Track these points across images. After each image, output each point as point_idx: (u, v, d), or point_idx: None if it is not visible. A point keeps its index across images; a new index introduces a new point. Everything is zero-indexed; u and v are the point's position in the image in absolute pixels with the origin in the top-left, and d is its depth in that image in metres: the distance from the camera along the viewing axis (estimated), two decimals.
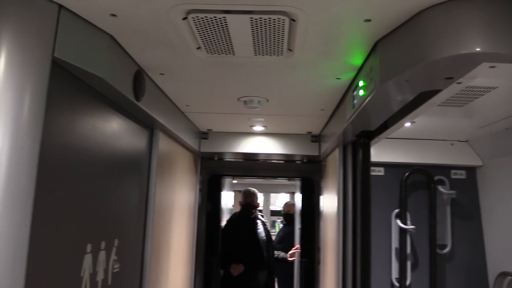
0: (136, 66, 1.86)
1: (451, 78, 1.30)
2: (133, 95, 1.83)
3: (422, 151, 3.21)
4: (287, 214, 6.14)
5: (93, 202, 1.71)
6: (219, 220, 4.75)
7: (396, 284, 3.09)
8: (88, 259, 1.65)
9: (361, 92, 1.75)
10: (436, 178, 3.19)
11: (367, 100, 1.67)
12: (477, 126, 2.78)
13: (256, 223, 4.70)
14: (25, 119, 1.23)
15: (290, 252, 5.16)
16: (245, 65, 1.86)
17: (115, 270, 1.93)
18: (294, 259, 5.18)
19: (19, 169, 1.21)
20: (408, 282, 3.07)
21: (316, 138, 3.43)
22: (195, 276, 3.79)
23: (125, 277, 2.07)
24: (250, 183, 7.37)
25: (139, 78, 1.87)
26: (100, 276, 1.76)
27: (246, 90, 2.25)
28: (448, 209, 3.16)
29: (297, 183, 5.17)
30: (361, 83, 1.76)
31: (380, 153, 3.20)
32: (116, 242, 1.93)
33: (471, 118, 2.58)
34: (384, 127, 2.22)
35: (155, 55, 1.78)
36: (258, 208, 4.85)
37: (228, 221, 4.75)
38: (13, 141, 1.20)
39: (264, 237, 4.72)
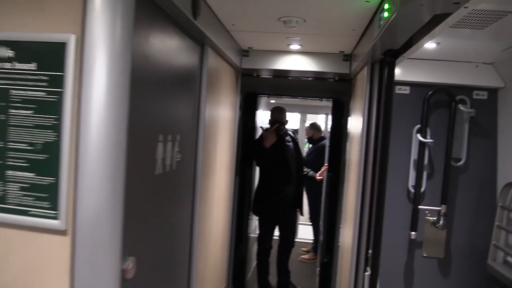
0: None
1: (458, 3, 1.57)
2: (192, 13, 2.17)
3: (447, 72, 3.35)
4: (311, 138, 6.55)
5: (162, 106, 2.14)
6: (253, 137, 5.14)
7: (412, 190, 3.39)
8: (160, 147, 2.12)
9: (386, 14, 2.03)
10: (458, 97, 3.35)
11: (390, 20, 1.95)
12: (501, 48, 2.90)
13: (285, 140, 4.84)
14: (119, 37, 1.56)
15: (320, 172, 5.53)
16: None
17: (177, 159, 2.42)
18: (322, 178, 5.56)
19: (117, 79, 1.56)
20: (422, 189, 3.37)
21: (348, 57, 3.66)
22: (235, 179, 4.32)
23: (185, 165, 2.58)
24: (287, 103, 7.52)
25: None
26: (168, 161, 2.25)
27: (286, 11, 2.54)
28: (467, 127, 3.34)
29: (330, 104, 5.36)
30: (386, 6, 2.03)
31: (407, 72, 3.37)
32: (178, 137, 2.40)
33: (494, 40, 2.71)
34: (408, 46, 2.46)
35: None
36: (286, 125, 4.92)
37: (259, 137, 4.90)
38: (111, 54, 1.54)
39: (293, 153, 4.88)
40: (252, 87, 4.53)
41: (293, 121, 8.74)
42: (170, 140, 2.26)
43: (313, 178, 5.59)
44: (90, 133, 1.57)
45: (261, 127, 4.97)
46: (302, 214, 5.43)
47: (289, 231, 5.12)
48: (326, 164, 5.41)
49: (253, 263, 5.66)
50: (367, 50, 2.68)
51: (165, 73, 2.18)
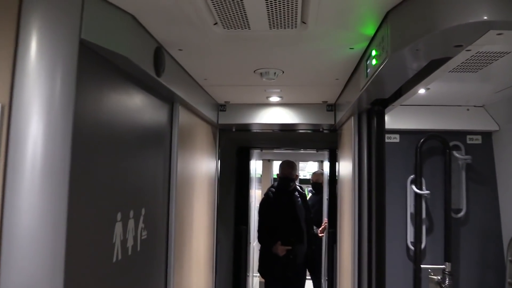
0: (156, 43, 1.94)
1: (460, 46, 1.34)
2: (154, 71, 1.91)
3: (438, 117, 3.22)
4: (315, 183, 6.21)
5: (121, 174, 1.82)
6: (247, 190, 4.88)
7: (412, 247, 3.17)
8: (118, 227, 1.78)
9: (374, 62, 1.79)
10: (451, 143, 3.21)
11: (379, 69, 1.71)
12: (493, 91, 2.77)
13: (295, 196, 4.54)
14: (58, 100, 1.32)
15: (320, 228, 5.21)
16: (260, 39, 1.91)
17: (143, 237, 2.06)
18: (323, 235, 5.24)
19: (55, 147, 1.30)
20: (423, 246, 3.15)
21: (332, 107, 3.46)
22: (217, 243, 3.95)
23: (153, 243, 2.22)
24: (278, 152, 7.35)
25: (159, 55, 1.95)
26: (130, 243, 1.90)
27: (262, 63, 2.31)
28: (463, 174, 3.18)
29: (325, 152, 5.19)
30: (373, 53, 1.80)
31: (396, 120, 3.23)
32: (143, 211, 2.06)
33: (487, 83, 2.58)
34: (398, 94, 2.25)
35: (174, 31, 1.84)
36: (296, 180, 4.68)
37: (265, 195, 4.64)
38: (47, 122, 1.29)
39: (303, 210, 4.58)
40: (243, 141, 4.43)
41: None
42: (131, 217, 1.91)
43: (315, 235, 5.25)
44: (18, 228, 1.23)
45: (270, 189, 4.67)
46: (313, 274, 5.17)
47: None
48: (325, 220, 5.15)
49: None
50: (353, 100, 2.45)
51: (128, 135, 1.88)
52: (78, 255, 1.43)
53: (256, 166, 5.49)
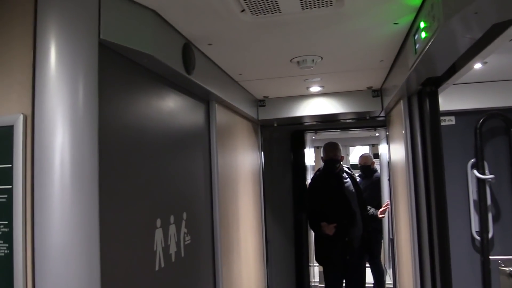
0: (183, 39, 1.84)
1: None
2: (184, 68, 1.81)
3: (498, 94, 2.94)
4: (363, 166, 5.88)
5: (158, 179, 1.74)
6: (304, 176, 4.76)
7: (477, 237, 2.94)
8: (159, 233, 1.70)
9: (423, 35, 1.59)
10: None
11: (430, 42, 1.51)
12: None
13: (342, 178, 4.30)
14: (81, 106, 1.25)
15: (381, 209, 4.97)
16: (293, 22, 1.75)
17: (186, 243, 1.98)
18: (383, 216, 4.99)
19: (82, 155, 1.23)
20: (490, 235, 2.91)
21: (378, 93, 3.23)
22: (266, 242, 3.84)
23: (197, 248, 2.13)
24: (327, 138, 7.16)
25: (188, 51, 1.85)
26: (172, 249, 1.82)
27: (298, 50, 2.15)
28: None
29: (382, 132, 4.98)
30: (422, 25, 1.60)
31: (449, 100, 2.99)
32: (184, 215, 1.97)
33: None
34: (452, 71, 2.03)
35: (201, 25, 1.74)
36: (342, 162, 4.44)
37: (312, 180, 4.43)
38: (72, 129, 1.22)
39: (353, 191, 4.32)
40: (298, 126, 4.36)
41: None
42: (172, 222, 1.83)
43: (374, 216, 5.01)
44: (50, 241, 1.17)
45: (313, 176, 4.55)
46: (373, 257, 4.93)
47: (358, 280, 4.50)
48: (387, 201, 4.93)
49: None
50: (401, 82, 2.24)
51: (162, 137, 1.80)
52: (116, 265, 1.36)
53: (309, 154, 5.35)
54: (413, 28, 1.79)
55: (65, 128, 1.22)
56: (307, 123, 3.91)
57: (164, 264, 1.72)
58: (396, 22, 1.78)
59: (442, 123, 3.09)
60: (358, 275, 4.49)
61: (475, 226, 2.97)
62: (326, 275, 4.52)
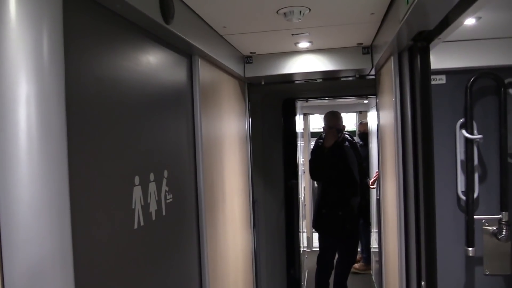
0: None
1: None
2: (161, 16, 1.70)
3: (490, 52, 2.86)
4: (363, 133, 5.89)
5: (135, 135, 1.66)
6: (295, 143, 4.76)
7: (463, 197, 2.95)
8: (137, 191, 1.64)
9: None
10: (507, 81, 2.88)
11: None
12: None
13: (345, 147, 4.35)
14: (46, 59, 1.13)
15: (372, 180, 5.00)
16: None
17: (168, 201, 1.93)
18: (374, 187, 5.03)
19: (49, 109, 1.13)
20: (475, 195, 2.92)
21: (368, 50, 3.13)
22: (253, 202, 3.84)
23: (180, 207, 2.09)
24: (314, 105, 7.12)
25: None
26: (153, 207, 1.77)
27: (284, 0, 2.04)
28: None
29: (372, 100, 4.95)
30: None
31: (441, 59, 2.90)
32: (165, 174, 1.92)
33: None
34: (445, 25, 1.94)
35: None
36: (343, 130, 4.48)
37: (313, 149, 4.47)
38: (37, 82, 1.12)
39: (355, 159, 4.40)
40: (289, 93, 4.33)
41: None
42: (152, 180, 1.77)
43: (368, 185, 5.05)
44: (16, 196, 1.10)
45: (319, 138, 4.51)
46: (369, 223, 5.03)
47: (352, 245, 4.60)
48: (376, 172, 4.98)
49: (307, 280, 5.30)
50: (392, 36, 2.14)
51: (140, 92, 1.71)
52: (89, 224, 1.30)
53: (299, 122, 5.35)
54: None
55: (30, 83, 1.12)
56: (295, 82, 3.80)
57: (144, 222, 1.68)
58: None
59: (433, 82, 3.03)
60: (353, 240, 4.59)
61: (461, 186, 2.96)
62: (322, 241, 4.61)
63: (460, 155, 2.97)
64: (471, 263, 2.96)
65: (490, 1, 1.46)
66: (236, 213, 3.26)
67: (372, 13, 2.28)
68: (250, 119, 3.76)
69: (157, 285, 1.80)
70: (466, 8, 1.65)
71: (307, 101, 4.96)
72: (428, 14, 1.75)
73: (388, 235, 3.09)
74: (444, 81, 3.04)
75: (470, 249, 2.87)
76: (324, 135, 4.24)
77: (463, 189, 2.95)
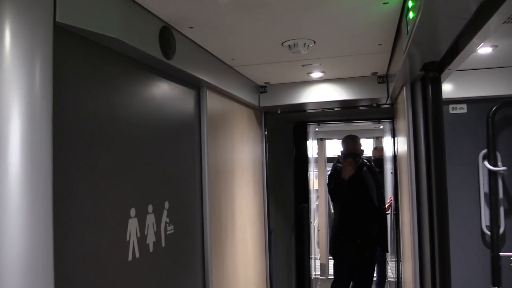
0: (161, 22, 1.75)
1: None
2: (161, 53, 1.74)
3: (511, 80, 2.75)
4: (378, 159, 5.73)
5: (132, 169, 1.67)
6: (307, 167, 4.71)
7: (487, 232, 2.79)
8: (133, 223, 1.65)
9: (411, 15, 1.46)
10: None
11: (417, 22, 1.38)
12: None
13: (364, 172, 4.23)
14: (37, 95, 1.18)
15: (386, 205, 4.84)
16: (275, 3, 1.65)
17: (168, 232, 1.93)
18: (388, 213, 4.88)
19: (37, 145, 1.16)
20: (501, 230, 2.75)
21: (383, 79, 3.08)
22: (269, 232, 3.77)
23: (182, 238, 2.08)
24: (331, 130, 7.05)
25: (166, 35, 1.77)
26: (151, 239, 1.77)
27: (287, 33, 2.03)
28: None
29: (386, 125, 4.87)
30: (410, 4, 1.47)
31: (461, 87, 2.83)
32: (166, 205, 1.92)
33: None
34: (454, 54, 1.88)
35: (176, 7, 1.65)
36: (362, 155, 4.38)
37: (331, 173, 4.37)
38: (27, 116, 1.16)
39: (373, 184, 4.25)
40: (300, 117, 4.33)
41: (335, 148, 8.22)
42: (151, 211, 1.78)
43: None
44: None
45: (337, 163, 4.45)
46: (387, 251, 4.85)
47: (368, 273, 4.42)
48: (390, 197, 4.81)
49: None
50: (400, 67, 2.10)
51: (137, 128, 1.73)
52: (77, 257, 1.31)
53: (311, 146, 5.29)
54: (404, 9, 1.66)
55: (20, 117, 1.16)
56: (310, 110, 3.78)
57: (140, 254, 1.68)
58: (385, 2, 1.64)
59: (453, 111, 2.94)
60: (369, 268, 4.41)
61: (485, 221, 2.83)
62: (337, 268, 4.46)
63: (484, 188, 2.84)
64: None
65: (495, 27, 1.40)
66: (249, 243, 3.21)
67: (380, 44, 2.25)
68: (266, 146, 3.74)
69: None
70: (470, 39, 1.60)
71: (319, 125, 4.92)
72: (429, 45, 1.71)
73: (405, 266, 2.96)
74: (465, 110, 2.94)
75: None
76: (341, 166, 4.12)
77: (488, 224, 2.80)
